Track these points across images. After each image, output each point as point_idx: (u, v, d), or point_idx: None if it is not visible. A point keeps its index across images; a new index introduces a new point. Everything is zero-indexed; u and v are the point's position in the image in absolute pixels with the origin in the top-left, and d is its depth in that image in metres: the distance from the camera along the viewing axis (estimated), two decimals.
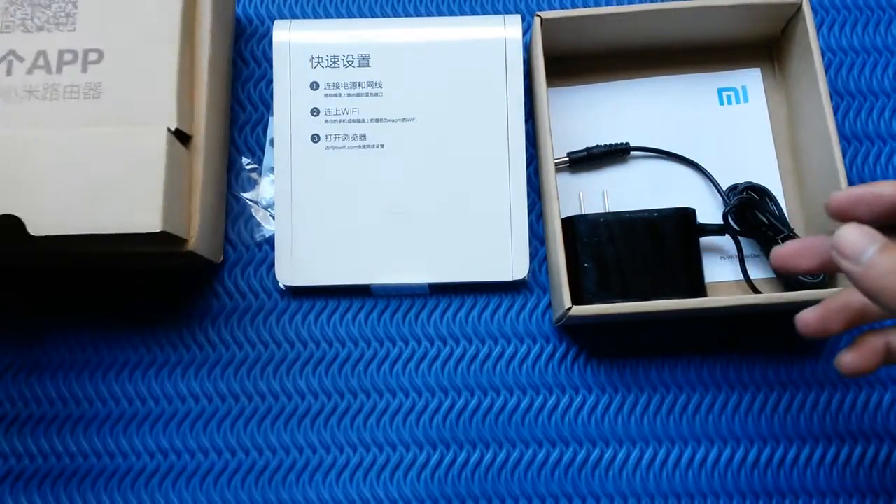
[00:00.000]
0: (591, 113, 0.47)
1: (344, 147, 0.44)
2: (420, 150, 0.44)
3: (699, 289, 0.41)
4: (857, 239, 0.26)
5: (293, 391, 0.43)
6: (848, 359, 0.30)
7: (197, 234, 0.39)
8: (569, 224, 0.41)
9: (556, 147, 0.44)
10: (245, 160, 0.47)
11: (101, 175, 0.36)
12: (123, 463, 0.42)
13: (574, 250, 0.40)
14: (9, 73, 0.39)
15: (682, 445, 0.42)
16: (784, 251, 0.32)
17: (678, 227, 0.41)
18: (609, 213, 0.42)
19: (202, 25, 0.42)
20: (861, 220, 0.28)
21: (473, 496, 0.41)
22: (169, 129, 0.37)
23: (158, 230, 0.35)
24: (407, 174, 0.44)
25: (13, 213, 0.35)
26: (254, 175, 0.47)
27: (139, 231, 0.35)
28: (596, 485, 0.42)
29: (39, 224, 0.35)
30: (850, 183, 0.44)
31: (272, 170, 0.46)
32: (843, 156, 0.41)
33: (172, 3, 0.40)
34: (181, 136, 0.40)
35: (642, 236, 0.40)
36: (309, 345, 0.44)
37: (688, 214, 0.42)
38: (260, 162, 0.47)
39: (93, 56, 0.39)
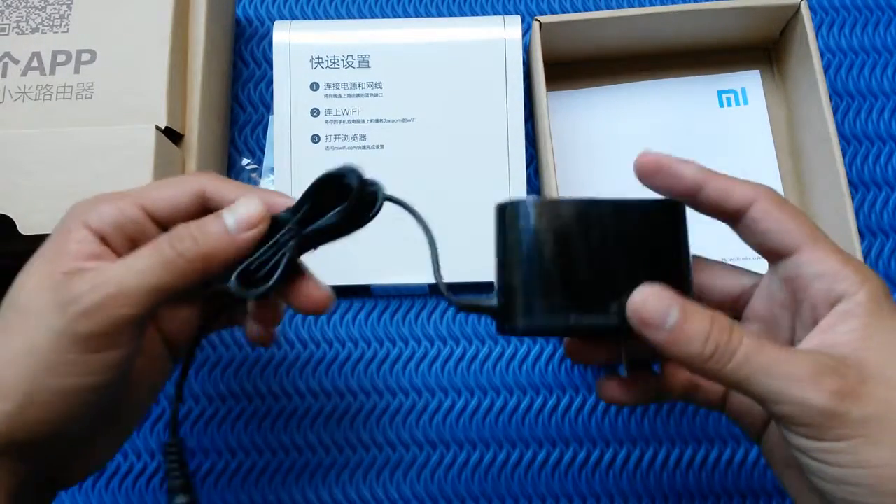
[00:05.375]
0: (590, 116, 0.47)
1: (344, 147, 0.44)
2: (420, 151, 0.44)
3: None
4: (656, 305, 0.24)
5: (293, 392, 0.43)
6: (612, 391, 0.30)
7: None
8: (510, 211, 0.28)
9: (556, 149, 0.44)
10: (245, 160, 0.47)
11: (91, 174, 0.36)
12: (125, 463, 0.42)
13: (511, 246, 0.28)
14: (3, 74, 0.39)
15: (683, 446, 0.42)
16: (572, 345, 0.31)
17: (662, 222, 0.28)
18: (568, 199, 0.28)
19: (196, 26, 0.42)
20: (657, 190, 0.27)
21: (473, 496, 0.41)
22: (158, 128, 0.38)
23: None
24: (407, 174, 0.44)
25: (4, 212, 0.35)
26: (254, 175, 0.47)
27: None
28: (596, 485, 0.42)
29: (30, 223, 0.35)
30: (851, 184, 0.44)
31: (272, 170, 0.46)
32: (843, 156, 0.41)
33: (165, 4, 0.40)
34: (172, 135, 0.40)
35: (612, 230, 0.27)
36: (309, 345, 0.44)
37: (676, 207, 0.28)
38: (260, 162, 0.47)
39: (86, 57, 0.39)
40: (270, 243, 0.27)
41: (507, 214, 0.27)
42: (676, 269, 0.27)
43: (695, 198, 0.27)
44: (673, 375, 0.29)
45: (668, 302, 0.24)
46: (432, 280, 0.44)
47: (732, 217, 0.27)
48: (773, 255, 0.27)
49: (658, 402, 0.39)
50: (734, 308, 0.29)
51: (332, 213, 0.27)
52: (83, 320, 0.24)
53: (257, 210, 0.26)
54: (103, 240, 0.26)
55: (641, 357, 0.30)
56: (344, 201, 0.27)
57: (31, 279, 0.26)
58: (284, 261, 0.27)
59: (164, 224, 0.27)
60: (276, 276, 0.27)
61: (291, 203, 0.28)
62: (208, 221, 0.26)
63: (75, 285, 0.24)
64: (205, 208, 0.28)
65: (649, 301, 0.24)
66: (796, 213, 0.26)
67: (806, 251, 0.26)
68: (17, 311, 0.25)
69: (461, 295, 0.29)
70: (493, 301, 0.28)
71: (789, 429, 0.24)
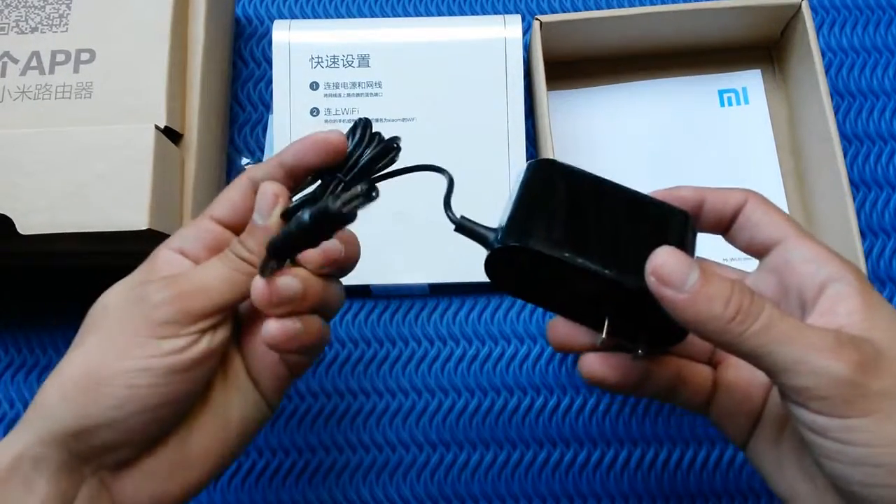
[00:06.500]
0: (591, 116, 0.47)
1: None
2: (420, 151, 0.44)
3: None
4: (677, 265, 0.23)
5: (293, 392, 0.43)
6: (592, 364, 0.29)
7: None
8: (546, 167, 0.28)
9: (557, 149, 0.44)
10: (245, 160, 0.47)
11: (90, 173, 0.36)
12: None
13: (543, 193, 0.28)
14: (2, 74, 0.39)
15: (683, 446, 0.42)
16: (559, 328, 0.30)
17: (674, 223, 0.28)
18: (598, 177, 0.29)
19: (195, 25, 0.42)
20: None
21: (473, 496, 0.41)
22: (157, 127, 0.38)
23: (145, 228, 0.35)
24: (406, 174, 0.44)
25: (2, 212, 0.35)
26: None
27: (126, 229, 0.35)
28: (596, 485, 0.42)
29: (29, 223, 0.35)
30: (852, 183, 0.44)
31: None
32: (844, 156, 0.41)
33: (164, 4, 0.40)
34: (171, 135, 0.40)
35: (628, 211, 0.28)
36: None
37: (688, 217, 0.29)
38: (260, 162, 0.47)
39: (85, 56, 0.39)
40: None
41: (540, 166, 0.28)
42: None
43: (698, 215, 0.28)
44: (662, 362, 0.29)
45: (689, 262, 0.24)
46: (432, 280, 0.44)
47: (730, 221, 0.28)
48: (763, 248, 0.28)
49: (639, 395, 0.38)
50: None
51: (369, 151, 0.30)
52: (157, 311, 0.26)
53: (268, 193, 0.28)
54: (185, 256, 0.28)
55: (622, 333, 0.29)
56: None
57: (115, 290, 0.28)
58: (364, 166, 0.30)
59: (238, 228, 0.29)
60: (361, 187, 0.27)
61: (310, 140, 0.29)
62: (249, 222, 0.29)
63: (152, 286, 0.27)
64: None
65: (669, 260, 0.24)
66: (783, 212, 0.28)
67: (793, 239, 0.27)
68: (100, 313, 0.27)
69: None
70: (492, 232, 0.27)
71: (807, 405, 0.23)
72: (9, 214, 0.35)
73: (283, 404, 0.43)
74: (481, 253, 0.29)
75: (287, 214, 0.28)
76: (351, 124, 0.31)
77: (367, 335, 0.44)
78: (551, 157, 0.41)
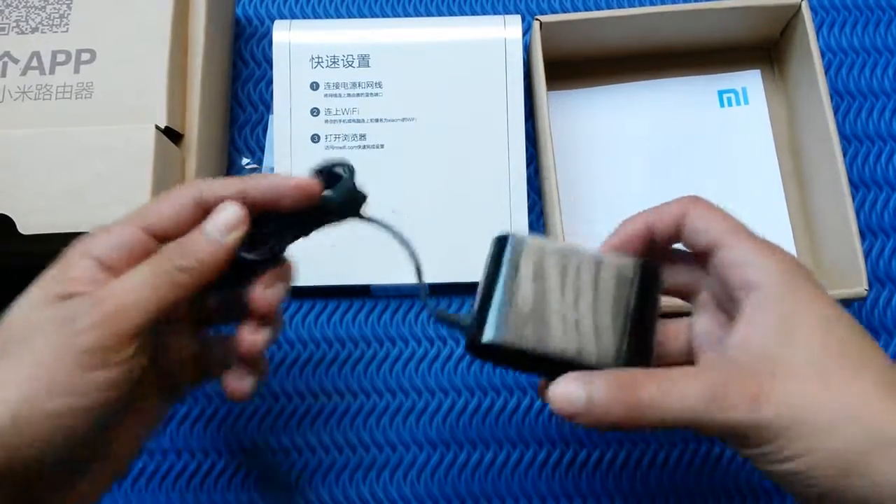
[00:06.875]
0: (591, 116, 0.47)
1: (344, 147, 0.44)
2: (420, 150, 0.44)
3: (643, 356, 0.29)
4: (565, 397, 0.26)
5: (293, 392, 0.43)
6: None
7: None
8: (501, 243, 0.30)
9: (557, 149, 0.44)
10: (245, 160, 0.47)
11: (90, 174, 0.36)
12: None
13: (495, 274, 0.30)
14: (3, 74, 0.39)
15: (682, 445, 0.42)
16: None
17: (631, 281, 0.29)
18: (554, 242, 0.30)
19: (196, 25, 0.42)
20: (633, 253, 0.30)
21: (473, 496, 0.41)
22: (157, 127, 0.38)
23: None
24: (407, 174, 0.44)
25: (3, 212, 0.35)
26: None
27: None
28: (596, 484, 0.42)
29: (29, 223, 0.35)
30: (852, 183, 0.44)
31: (272, 170, 0.46)
32: (844, 156, 0.41)
33: (164, 4, 0.40)
34: (172, 135, 0.40)
35: (587, 278, 0.29)
36: (309, 345, 0.44)
37: (651, 270, 0.30)
38: (260, 162, 0.47)
39: (85, 56, 0.39)
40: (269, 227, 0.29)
41: (496, 245, 0.30)
42: (638, 327, 0.29)
43: (655, 238, 0.30)
44: None
45: (577, 391, 0.26)
46: (432, 280, 0.44)
47: (677, 233, 0.30)
48: (704, 255, 0.29)
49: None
50: (687, 296, 0.31)
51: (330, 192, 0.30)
52: (84, 336, 0.24)
53: (235, 214, 0.28)
54: (104, 266, 0.26)
55: None
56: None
57: (28, 304, 0.26)
58: (287, 238, 0.30)
59: (167, 240, 0.28)
60: (277, 247, 0.29)
61: (290, 183, 0.29)
62: (194, 231, 0.27)
63: (75, 304, 0.25)
64: (207, 214, 0.28)
65: (557, 396, 0.27)
66: (722, 213, 0.29)
67: (725, 244, 0.28)
68: (16, 333, 0.25)
69: (442, 306, 0.30)
70: (468, 319, 0.30)
71: (727, 445, 0.26)
72: (9, 214, 0.35)
73: (282, 404, 0.43)
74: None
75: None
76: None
77: (367, 335, 0.44)
78: (550, 158, 0.41)
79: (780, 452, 0.24)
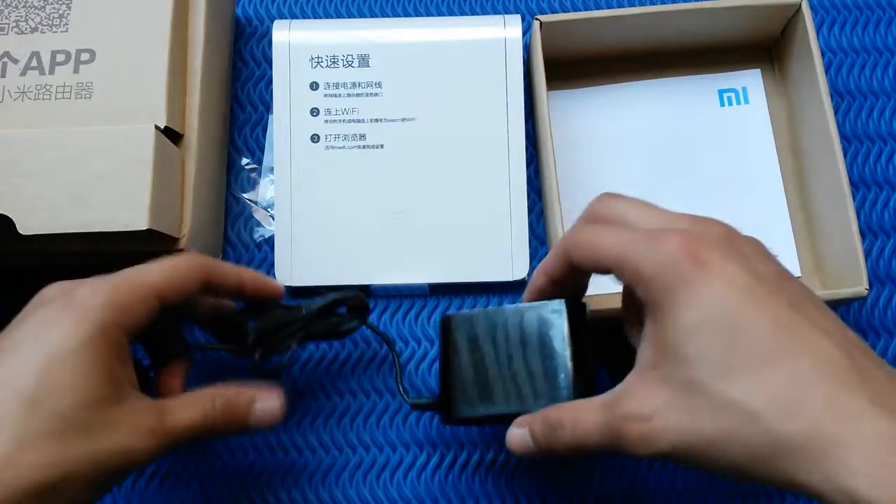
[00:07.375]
0: (591, 116, 0.46)
1: (344, 147, 0.44)
2: (420, 150, 0.44)
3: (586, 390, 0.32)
4: (519, 440, 0.31)
5: (292, 392, 0.43)
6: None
7: (188, 234, 0.39)
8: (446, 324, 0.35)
9: (557, 149, 0.44)
10: (245, 160, 0.47)
11: (90, 174, 0.36)
12: None
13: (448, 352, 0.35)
14: (3, 74, 0.39)
15: None
16: None
17: (554, 321, 0.32)
18: (481, 310, 0.35)
19: (195, 25, 0.42)
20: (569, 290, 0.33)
21: (473, 496, 0.41)
22: (157, 127, 0.37)
23: (145, 228, 0.35)
24: (407, 174, 0.44)
25: (3, 212, 0.35)
26: (253, 175, 0.47)
27: (126, 229, 0.35)
28: (596, 484, 0.42)
29: (29, 223, 0.35)
30: (852, 183, 0.44)
31: (272, 170, 0.46)
32: (844, 155, 0.41)
33: (164, 4, 0.40)
34: (171, 135, 0.40)
35: (513, 333, 0.33)
36: (308, 345, 0.44)
37: (574, 304, 0.33)
38: (260, 162, 0.47)
39: (85, 56, 0.39)
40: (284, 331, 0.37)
41: (441, 326, 0.35)
42: (575, 358, 0.32)
43: (572, 267, 0.31)
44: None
45: (525, 433, 0.30)
46: (432, 280, 0.44)
47: (574, 269, 0.31)
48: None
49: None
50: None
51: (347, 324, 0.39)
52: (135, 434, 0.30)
53: (278, 408, 0.35)
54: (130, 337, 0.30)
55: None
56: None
57: (76, 329, 0.29)
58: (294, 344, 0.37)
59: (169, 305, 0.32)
60: (288, 354, 0.37)
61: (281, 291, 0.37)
62: (242, 399, 0.34)
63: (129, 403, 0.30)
64: (207, 286, 0.33)
65: (513, 439, 0.31)
66: (591, 234, 0.30)
67: (611, 265, 0.29)
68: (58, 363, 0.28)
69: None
70: (434, 401, 0.37)
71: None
72: (9, 214, 0.35)
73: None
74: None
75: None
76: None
77: (367, 335, 0.44)
78: (551, 158, 0.41)
79: (702, 465, 0.26)
